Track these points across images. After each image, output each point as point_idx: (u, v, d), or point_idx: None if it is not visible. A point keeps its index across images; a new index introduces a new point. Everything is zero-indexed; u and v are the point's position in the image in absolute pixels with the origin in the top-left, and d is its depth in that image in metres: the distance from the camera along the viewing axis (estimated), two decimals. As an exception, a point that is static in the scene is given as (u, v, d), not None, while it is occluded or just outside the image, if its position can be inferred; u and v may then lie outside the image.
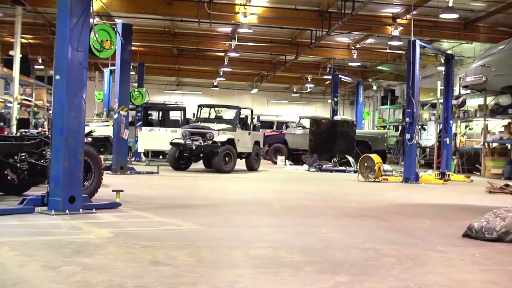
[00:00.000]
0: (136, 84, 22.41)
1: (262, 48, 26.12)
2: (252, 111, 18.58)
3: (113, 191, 7.36)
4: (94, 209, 6.63)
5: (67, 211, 6.33)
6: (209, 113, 18.58)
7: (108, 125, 19.17)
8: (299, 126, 24.49)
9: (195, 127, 16.49)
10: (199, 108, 18.19)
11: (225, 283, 3.55)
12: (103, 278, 3.55)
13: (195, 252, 4.52)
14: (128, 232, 5.38)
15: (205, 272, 3.82)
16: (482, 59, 10.53)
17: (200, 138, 15.88)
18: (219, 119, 17.88)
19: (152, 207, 7.44)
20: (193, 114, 18.50)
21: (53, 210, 6.31)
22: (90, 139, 8.03)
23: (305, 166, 20.22)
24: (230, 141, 16.32)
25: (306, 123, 23.68)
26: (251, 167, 17.73)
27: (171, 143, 16.32)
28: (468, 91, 18.16)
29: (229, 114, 18.90)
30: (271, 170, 19.31)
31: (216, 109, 18.96)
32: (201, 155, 16.77)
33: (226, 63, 28.89)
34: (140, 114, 21.07)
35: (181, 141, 16.10)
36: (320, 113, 38.54)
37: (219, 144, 15.88)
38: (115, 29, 6.75)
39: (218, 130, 16.21)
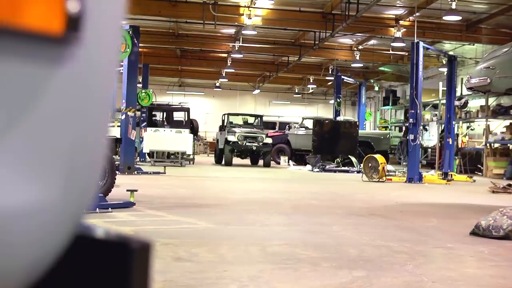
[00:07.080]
0: (140, 85, 22.56)
1: (265, 49, 26.28)
2: (262, 116, 23.34)
3: (127, 190, 7.53)
4: (110, 208, 6.80)
5: (84, 210, 6.48)
6: (226, 120, 22.44)
7: (113, 126, 19.32)
8: (302, 127, 24.64)
9: (248, 132, 20.63)
10: (226, 116, 22.32)
11: (248, 277, 3.72)
12: (132, 273, 3.71)
13: (215, 249, 4.68)
14: (147, 230, 5.54)
15: (227, 268, 3.98)
16: (486, 61, 10.71)
17: (254, 140, 20.00)
18: (249, 125, 22.48)
19: (165, 206, 7.61)
20: (223, 121, 22.38)
21: (70, 209, 6.46)
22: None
23: (309, 166, 20.40)
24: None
25: (309, 123, 23.84)
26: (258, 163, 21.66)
27: (230, 144, 20.09)
28: (471, 92, 18.34)
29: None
30: (275, 170, 19.49)
31: (242, 116, 24.06)
32: (255, 153, 20.94)
33: (229, 64, 29.03)
34: (144, 115, 21.24)
35: (239, 142, 20.07)
36: (321, 113, 38.68)
37: (270, 145, 20.78)
38: (130, 33, 6.91)
39: (265, 134, 20.74)
